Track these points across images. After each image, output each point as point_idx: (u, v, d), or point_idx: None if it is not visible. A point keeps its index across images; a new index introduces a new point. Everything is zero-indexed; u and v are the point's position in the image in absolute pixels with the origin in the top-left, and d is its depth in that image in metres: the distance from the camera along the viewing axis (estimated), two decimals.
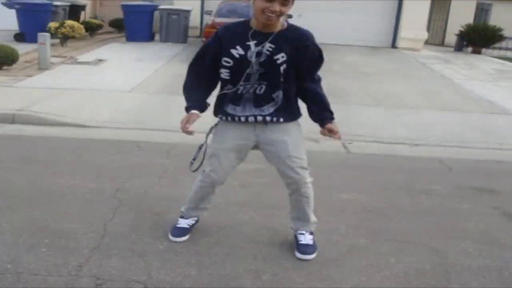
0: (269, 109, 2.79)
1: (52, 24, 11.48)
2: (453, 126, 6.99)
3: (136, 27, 13.29)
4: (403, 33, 15.21)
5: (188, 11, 13.67)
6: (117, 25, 15.90)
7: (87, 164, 4.63)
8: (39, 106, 6.60)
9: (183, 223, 3.21)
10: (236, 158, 2.97)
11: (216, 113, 2.92)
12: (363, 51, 14.04)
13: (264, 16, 2.57)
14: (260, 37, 2.67)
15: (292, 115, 2.87)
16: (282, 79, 2.73)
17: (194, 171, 3.07)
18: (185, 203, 3.24)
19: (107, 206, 3.60)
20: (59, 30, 11.28)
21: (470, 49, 17.02)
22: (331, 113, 2.89)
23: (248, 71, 2.69)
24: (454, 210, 4.01)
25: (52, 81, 8.20)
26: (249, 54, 2.67)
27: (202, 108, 2.86)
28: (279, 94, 2.77)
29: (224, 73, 2.75)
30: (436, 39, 19.48)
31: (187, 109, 2.84)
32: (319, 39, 2.94)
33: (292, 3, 2.58)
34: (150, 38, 13.68)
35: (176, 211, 3.32)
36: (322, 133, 2.91)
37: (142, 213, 3.55)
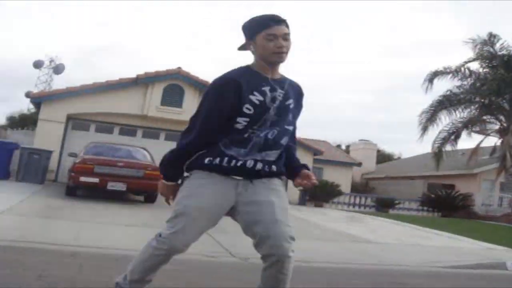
0: (273, 155, 2.57)
1: None
2: (333, 250, 7.59)
3: None
4: None
5: (50, 152, 13.47)
6: None
7: None
8: None
9: None
10: (209, 222, 2.57)
11: (201, 158, 2.52)
12: None
13: (276, 56, 2.50)
14: (271, 82, 2.56)
15: (283, 167, 2.66)
16: (289, 127, 2.62)
17: None
18: (124, 273, 2.68)
19: None
20: None
21: (313, 203, 18.70)
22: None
23: (265, 117, 2.51)
24: None
25: None
26: (266, 99, 2.51)
27: (180, 178, 2.65)
28: (286, 141, 2.63)
29: (242, 122, 2.49)
30: None
31: (169, 178, 2.63)
32: None
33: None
34: (5, 176, 12.95)
35: None
36: (297, 183, 2.65)
37: None
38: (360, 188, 27.34)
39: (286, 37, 2.51)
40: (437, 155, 21.08)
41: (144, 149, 12.05)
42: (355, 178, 27.90)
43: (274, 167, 2.57)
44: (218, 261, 5.48)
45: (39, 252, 4.71)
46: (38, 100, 16.20)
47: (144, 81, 16.28)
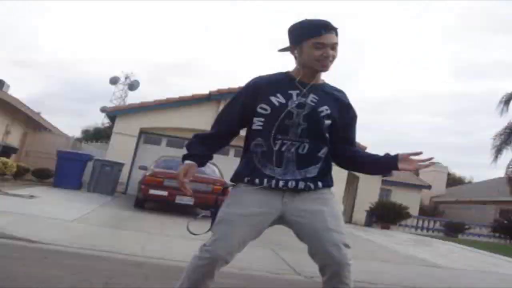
0: (314, 171, 2.43)
1: None
2: (401, 273, 7.31)
3: (67, 173, 13.15)
4: None
5: (121, 164, 13.85)
6: (41, 175, 15.55)
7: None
8: None
9: None
10: (252, 230, 2.41)
11: (240, 176, 2.48)
12: None
13: (320, 65, 2.40)
14: (303, 87, 2.44)
15: (331, 180, 2.52)
16: (327, 135, 2.46)
17: (194, 234, 2.55)
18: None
19: None
20: None
21: (379, 225, 18.20)
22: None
23: (286, 122, 2.39)
24: None
25: None
26: (290, 103, 2.40)
27: (203, 161, 2.54)
28: (325, 152, 2.47)
29: (257, 123, 2.44)
30: (343, 217, 20.78)
31: (184, 158, 2.50)
32: None
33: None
34: (78, 186, 13.47)
35: None
36: (402, 167, 2.42)
37: None
38: (429, 211, 26.43)
39: (334, 46, 2.40)
40: (511, 179, 20.09)
41: (214, 164, 12.00)
42: (424, 201, 27.04)
43: (319, 184, 2.44)
44: (284, 278, 5.39)
45: (107, 260, 4.82)
46: (113, 113, 16.86)
47: (216, 98, 16.42)
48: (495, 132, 20.09)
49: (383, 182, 21.93)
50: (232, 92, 16.16)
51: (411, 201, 22.38)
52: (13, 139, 17.69)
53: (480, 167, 71.02)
